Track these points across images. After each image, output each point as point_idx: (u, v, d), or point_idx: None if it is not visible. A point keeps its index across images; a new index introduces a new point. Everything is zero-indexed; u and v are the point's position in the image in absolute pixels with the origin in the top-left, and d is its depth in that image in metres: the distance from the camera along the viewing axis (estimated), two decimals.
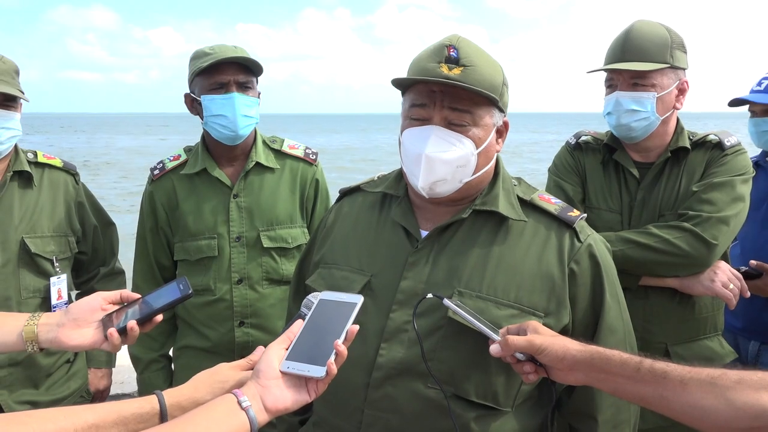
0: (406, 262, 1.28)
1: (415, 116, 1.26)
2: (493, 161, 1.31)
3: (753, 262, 2.09)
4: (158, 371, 2.09)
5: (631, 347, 1.32)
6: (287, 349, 0.98)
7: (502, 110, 1.28)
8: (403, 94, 1.32)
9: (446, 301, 1.16)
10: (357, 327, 1.00)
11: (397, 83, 1.27)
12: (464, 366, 1.20)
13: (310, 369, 0.95)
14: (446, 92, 1.22)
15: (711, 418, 0.94)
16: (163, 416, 0.98)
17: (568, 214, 1.30)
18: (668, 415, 0.99)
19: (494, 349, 1.13)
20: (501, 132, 1.31)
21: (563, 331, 1.22)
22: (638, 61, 1.77)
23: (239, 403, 0.91)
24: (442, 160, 1.23)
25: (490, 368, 1.21)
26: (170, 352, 2.16)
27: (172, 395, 1.01)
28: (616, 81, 1.81)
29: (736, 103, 2.28)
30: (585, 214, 1.33)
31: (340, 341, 0.97)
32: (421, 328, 1.22)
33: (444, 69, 1.21)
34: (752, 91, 2.25)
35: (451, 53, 1.21)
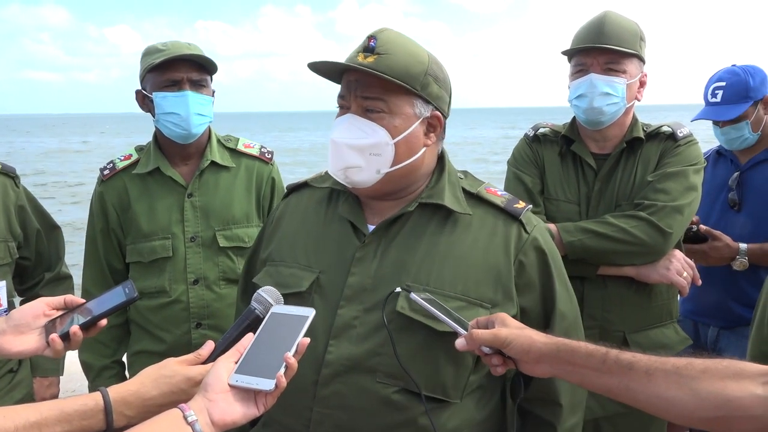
0: (353, 258, 1.27)
1: (339, 105, 1.29)
2: (421, 153, 1.28)
3: (702, 226, 2.16)
4: (111, 378, 2.02)
5: (580, 330, 1.35)
6: (237, 363, 0.97)
7: (429, 102, 1.27)
8: None
9: (413, 296, 1.15)
10: (308, 340, 0.99)
11: (313, 69, 1.29)
12: (412, 359, 1.19)
13: (259, 382, 0.93)
14: (360, 81, 1.24)
15: (676, 408, 0.95)
16: (107, 412, 0.96)
17: (515, 206, 1.31)
18: (634, 406, 1.00)
19: (460, 343, 1.13)
20: (434, 126, 1.29)
21: None
22: (614, 45, 1.80)
23: (185, 418, 0.88)
24: (349, 145, 1.24)
25: (438, 361, 1.21)
26: (124, 358, 2.09)
27: (117, 391, 0.99)
28: (588, 65, 1.83)
29: (717, 123, 2.30)
30: (531, 206, 1.35)
31: (290, 354, 0.96)
32: (369, 323, 1.22)
33: (360, 58, 1.23)
34: (709, 104, 2.29)
35: (371, 43, 1.23)
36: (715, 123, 2.31)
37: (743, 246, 2.16)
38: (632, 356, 1.00)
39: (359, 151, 1.24)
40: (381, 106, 1.23)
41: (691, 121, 2.37)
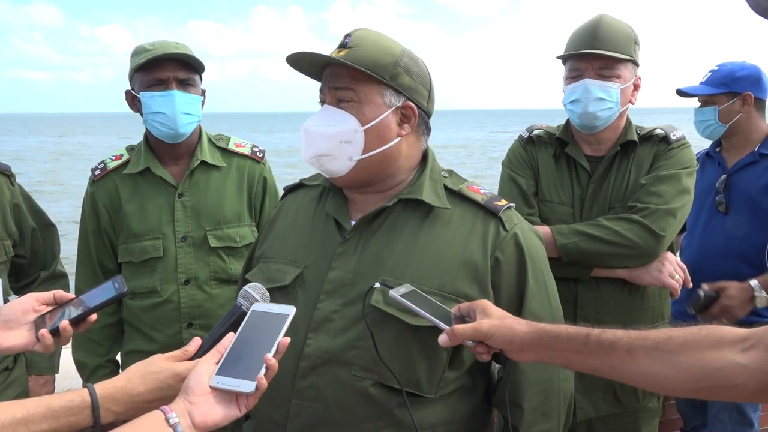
0: (335, 253, 1.29)
1: (320, 99, 1.34)
2: (395, 143, 1.30)
3: (705, 286, 2.09)
4: (105, 377, 2.00)
5: None
6: (217, 364, 0.97)
7: (401, 93, 1.29)
8: None
9: (392, 294, 1.15)
10: (288, 339, 0.99)
11: (292, 64, 1.33)
12: (387, 353, 1.20)
13: (239, 384, 0.94)
14: (333, 73, 1.30)
15: (661, 383, 0.97)
16: (94, 408, 0.96)
17: (495, 203, 1.31)
18: (621, 382, 1.03)
19: (442, 339, 1.13)
20: (408, 117, 1.30)
21: None
22: (609, 50, 1.81)
23: (167, 420, 0.89)
24: (319, 133, 1.28)
25: (412, 355, 1.22)
26: (118, 357, 2.09)
27: (104, 387, 0.99)
28: (583, 70, 1.84)
29: (680, 93, 2.37)
30: (513, 204, 1.35)
31: (270, 354, 0.96)
32: (348, 317, 1.23)
33: (335, 53, 1.28)
34: (699, 84, 2.35)
35: (346, 40, 1.29)
36: (700, 104, 2.36)
37: (754, 283, 2.10)
38: (613, 335, 1.01)
39: (329, 139, 1.27)
40: (351, 96, 1.27)
41: (676, 92, 2.41)
